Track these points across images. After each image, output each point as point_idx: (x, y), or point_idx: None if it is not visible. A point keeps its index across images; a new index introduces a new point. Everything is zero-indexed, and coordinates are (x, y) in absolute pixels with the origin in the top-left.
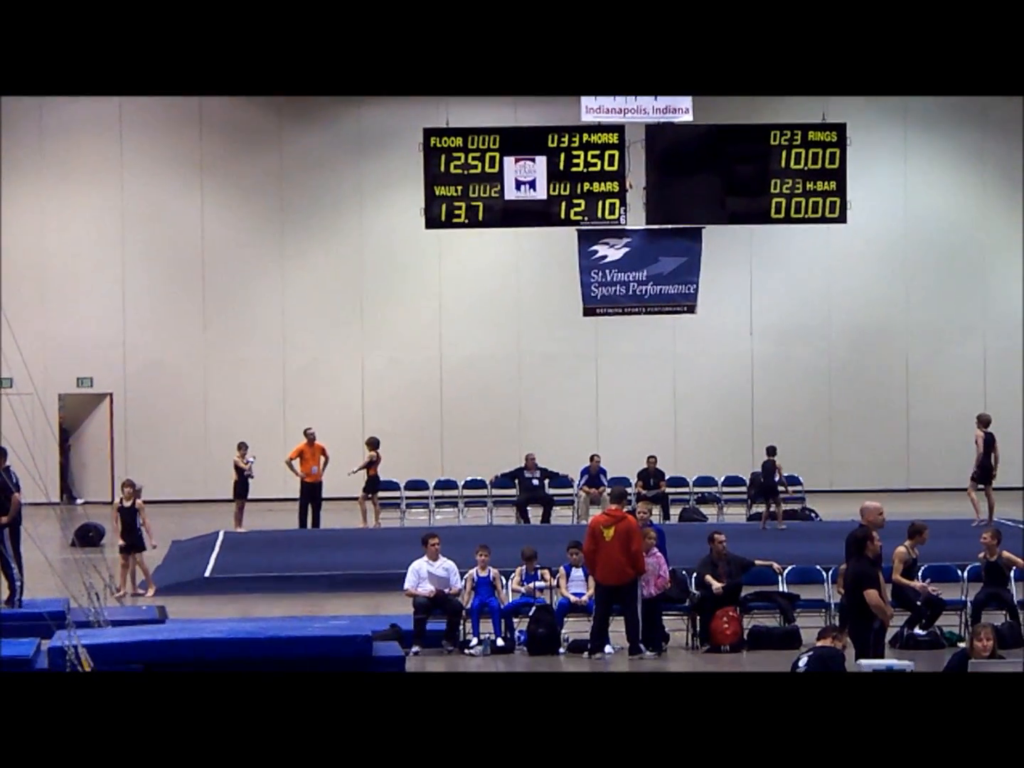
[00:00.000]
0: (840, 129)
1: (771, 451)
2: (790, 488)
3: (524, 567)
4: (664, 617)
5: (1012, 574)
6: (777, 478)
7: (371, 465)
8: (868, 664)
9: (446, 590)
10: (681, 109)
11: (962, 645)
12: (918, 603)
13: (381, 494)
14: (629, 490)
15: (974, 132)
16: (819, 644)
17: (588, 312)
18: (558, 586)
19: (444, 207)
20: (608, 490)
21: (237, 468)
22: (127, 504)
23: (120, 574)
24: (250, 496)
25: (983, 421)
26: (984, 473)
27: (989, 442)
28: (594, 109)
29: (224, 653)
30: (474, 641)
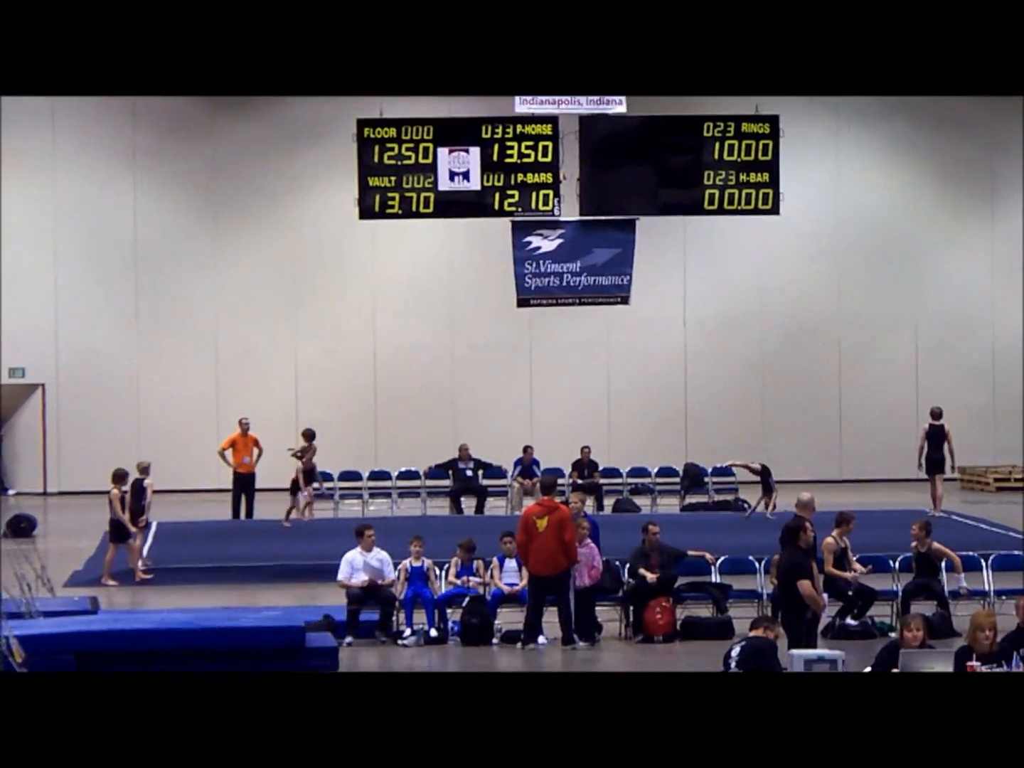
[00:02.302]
0: (773, 121)
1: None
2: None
3: (459, 558)
4: (597, 608)
5: (943, 565)
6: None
7: (304, 455)
8: (800, 654)
9: (379, 581)
10: (614, 101)
11: (893, 635)
12: (849, 593)
13: (314, 485)
14: (564, 481)
15: (906, 124)
16: (752, 634)
17: (522, 303)
18: (491, 577)
19: (378, 198)
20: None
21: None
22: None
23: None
24: (183, 487)
25: (933, 414)
26: (934, 465)
27: (935, 434)
28: (528, 100)
29: (156, 644)
30: (407, 632)
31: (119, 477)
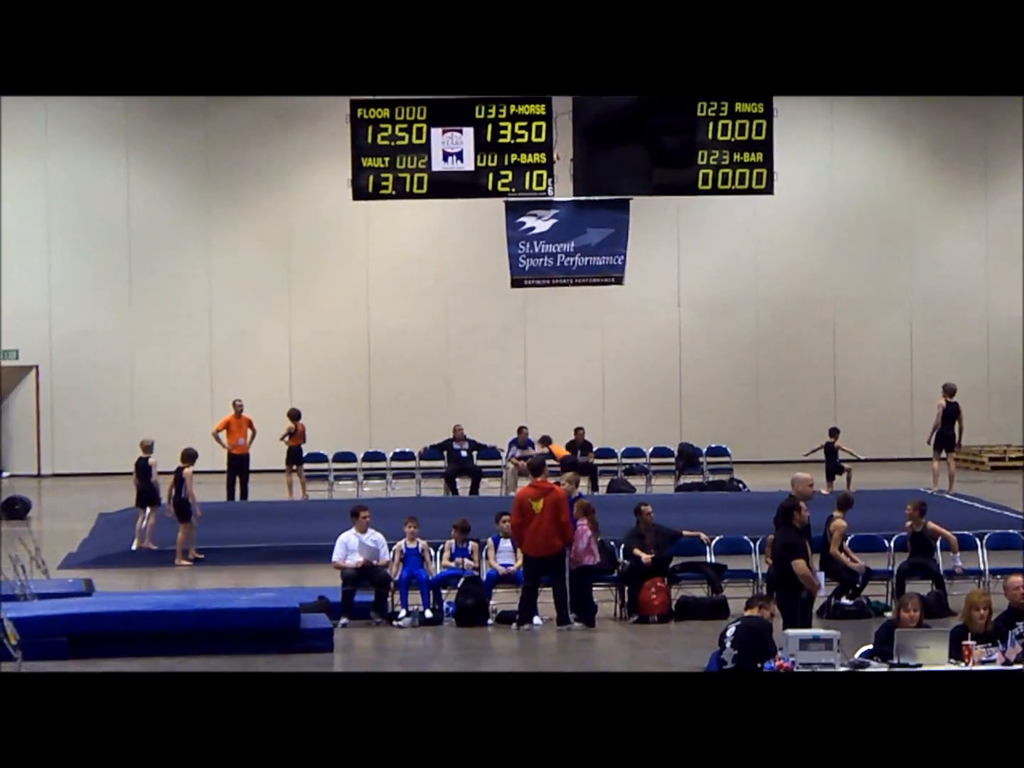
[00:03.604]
0: (767, 101)
1: (833, 432)
2: (859, 458)
3: (454, 539)
4: (593, 588)
5: (938, 544)
6: (840, 458)
7: (291, 436)
8: (795, 634)
9: (374, 562)
10: None
11: (888, 615)
12: (857, 585)
13: (309, 466)
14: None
15: (899, 103)
16: (746, 614)
17: (516, 283)
18: (486, 557)
19: (371, 179)
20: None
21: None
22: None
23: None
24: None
25: (947, 390)
26: (945, 442)
27: (951, 412)
28: None
29: (151, 625)
30: (402, 613)
31: (190, 456)
